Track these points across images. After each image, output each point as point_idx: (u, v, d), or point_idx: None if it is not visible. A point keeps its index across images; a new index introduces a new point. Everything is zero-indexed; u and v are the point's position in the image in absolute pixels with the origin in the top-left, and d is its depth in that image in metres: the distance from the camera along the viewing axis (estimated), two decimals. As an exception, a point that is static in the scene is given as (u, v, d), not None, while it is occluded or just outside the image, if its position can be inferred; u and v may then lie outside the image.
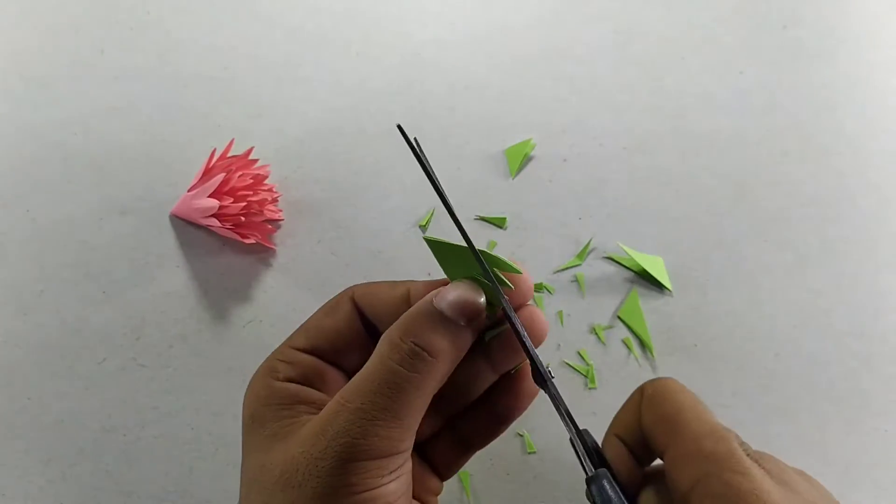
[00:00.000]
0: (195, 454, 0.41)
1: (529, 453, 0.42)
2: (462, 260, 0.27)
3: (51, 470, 0.40)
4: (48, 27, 0.46)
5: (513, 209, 0.45)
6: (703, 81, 0.49)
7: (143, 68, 0.46)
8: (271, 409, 0.28)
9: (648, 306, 0.44)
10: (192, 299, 0.43)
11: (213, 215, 0.41)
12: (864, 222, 0.46)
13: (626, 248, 0.44)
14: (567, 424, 0.27)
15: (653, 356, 0.43)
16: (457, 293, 0.27)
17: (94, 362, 0.42)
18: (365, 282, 0.31)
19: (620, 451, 0.29)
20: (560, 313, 0.44)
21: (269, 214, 0.43)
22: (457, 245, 0.27)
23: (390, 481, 0.25)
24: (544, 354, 0.43)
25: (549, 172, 0.46)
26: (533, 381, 0.28)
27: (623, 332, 0.44)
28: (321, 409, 0.26)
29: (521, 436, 0.42)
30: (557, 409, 0.27)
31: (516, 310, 0.28)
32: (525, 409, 0.31)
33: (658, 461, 0.29)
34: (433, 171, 0.27)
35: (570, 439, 0.28)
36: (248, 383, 0.30)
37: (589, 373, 0.43)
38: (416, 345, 0.26)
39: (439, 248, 0.28)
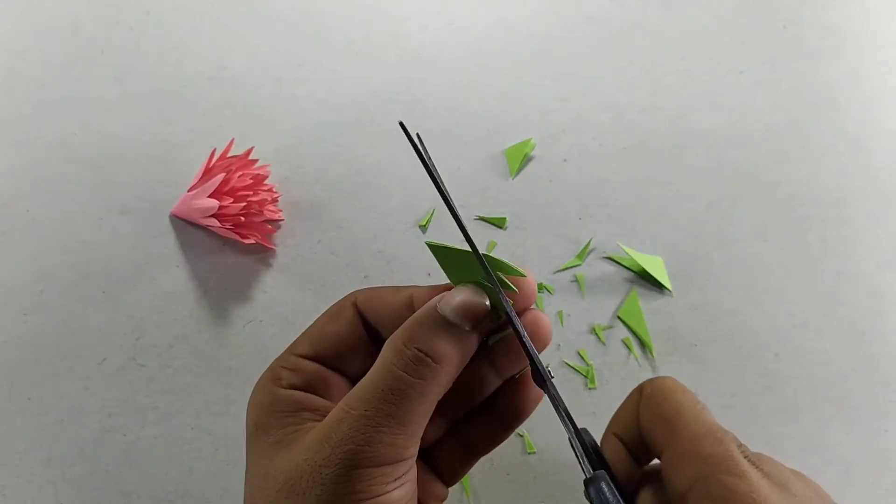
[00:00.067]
0: (195, 454, 0.41)
1: (529, 453, 0.42)
2: (465, 264, 0.27)
3: (51, 470, 0.40)
4: (48, 27, 0.46)
5: (513, 209, 0.45)
6: (703, 81, 0.49)
7: (143, 68, 0.46)
8: (275, 417, 0.28)
9: (648, 306, 0.44)
10: (192, 299, 0.43)
11: (212, 215, 0.41)
12: (864, 222, 0.46)
13: (626, 248, 0.44)
14: (566, 424, 0.27)
15: (653, 356, 0.43)
16: (461, 297, 0.26)
17: (94, 362, 0.42)
18: (367, 286, 0.31)
19: (619, 450, 0.29)
20: (560, 313, 0.44)
21: (269, 214, 0.43)
22: (459, 249, 0.27)
23: (395, 488, 0.25)
24: (544, 354, 0.43)
25: (549, 172, 0.46)
26: (534, 382, 0.28)
27: (623, 332, 0.44)
28: (325, 416, 0.26)
29: (521, 436, 0.42)
30: (556, 409, 0.27)
31: (520, 314, 0.28)
32: (530, 413, 0.31)
33: (656, 460, 0.29)
34: (437, 171, 0.27)
35: (569, 439, 0.28)
36: (248, 383, 0.30)
37: (589, 373, 0.43)
38: (420, 351, 0.26)
39: (442, 253, 0.27)
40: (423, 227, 0.45)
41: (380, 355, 0.26)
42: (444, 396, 0.27)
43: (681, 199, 0.46)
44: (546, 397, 0.28)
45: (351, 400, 0.25)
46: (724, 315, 0.44)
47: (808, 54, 0.50)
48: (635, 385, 0.30)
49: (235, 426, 0.41)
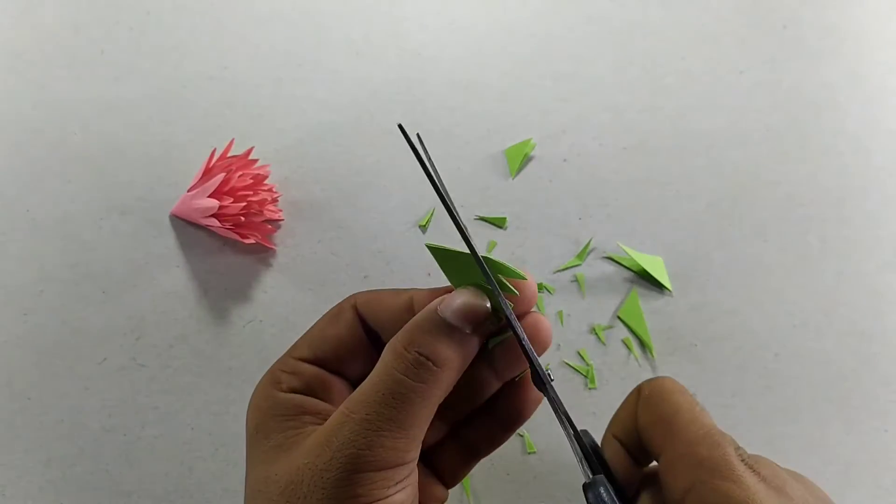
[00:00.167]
0: (195, 454, 0.41)
1: (529, 453, 0.42)
2: (466, 266, 0.27)
3: (51, 470, 0.40)
4: (48, 27, 0.46)
5: (513, 209, 0.45)
6: (703, 81, 0.49)
7: (143, 68, 0.46)
8: (276, 420, 0.27)
9: (648, 306, 0.44)
10: (192, 299, 0.43)
11: (213, 215, 0.41)
12: (864, 222, 0.46)
13: (626, 248, 0.44)
14: (565, 427, 0.27)
15: (653, 356, 0.43)
16: (462, 300, 0.26)
17: (94, 362, 0.42)
18: (367, 286, 0.31)
19: (618, 452, 0.29)
20: (560, 313, 0.44)
21: (269, 214, 0.43)
22: (460, 252, 0.26)
23: (396, 492, 0.25)
24: (544, 355, 0.43)
25: (549, 172, 0.46)
26: (534, 385, 0.28)
27: (623, 332, 0.44)
28: (326, 420, 0.26)
29: (522, 436, 0.42)
30: (556, 411, 0.27)
31: (520, 317, 0.27)
32: (530, 415, 0.30)
33: (655, 463, 0.29)
34: (438, 175, 0.26)
35: (570, 442, 0.28)
36: (248, 383, 0.30)
37: (589, 373, 0.43)
38: (421, 354, 0.25)
39: (442, 255, 0.27)
40: (423, 227, 0.45)
41: (380, 359, 0.26)
42: (444, 399, 0.27)
43: (681, 199, 0.46)
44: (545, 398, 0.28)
45: (352, 404, 0.25)
46: (724, 315, 0.44)
47: (808, 54, 0.50)
48: (635, 385, 0.30)
49: (235, 426, 0.41)
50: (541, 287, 0.44)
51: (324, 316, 0.31)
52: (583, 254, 0.45)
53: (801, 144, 0.48)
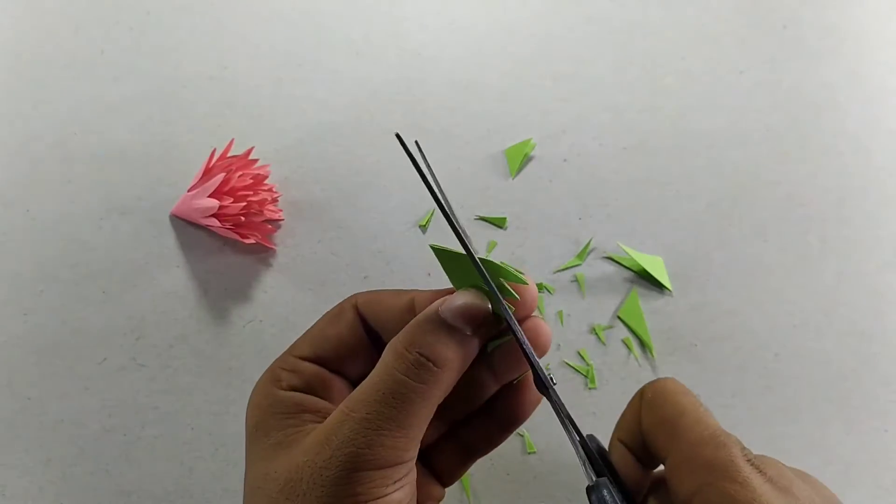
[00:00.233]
0: (195, 454, 0.41)
1: (529, 453, 0.42)
2: (468, 269, 0.27)
3: (51, 470, 0.40)
4: (48, 27, 0.46)
5: (513, 209, 0.45)
6: (703, 81, 0.49)
7: (143, 68, 0.46)
8: (275, 418, 0.28)
9: (648, 306, 0.44)
10: (192, 299, 0.43)
11: (213, 215, 0.41)
12: (864, 222, 0.46)
13: (626, 248, 0.44)
14: (569, 430, 0.27)
15: (653, 356, 0.43)
16: (463, 301, 0.26)
17: (94, 362, 0.42)
18: (367, 286, 0.31)
19: (625, 456, 0.29)
20: (560, 313, 0.44)
21: (269, 214, 0.43)
22: (463, 253, 0.27)
23: (395, 491, 0.25)
24: (543, 357, 0.43)
25: (549, 172, 0.46)
26: (536, 389, 0.28)
27: (623, 332, 0.44)
28: (326, 418, 0.26)
29: (522, 436, 0.42)
30: (559, 415, 0.27)
31: (520, 321, 0.27)
32: (528, 416, 0.30)
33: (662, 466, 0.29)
34: (437, 183, 0.26)
35: (573, 445, 0.28)
36: (248, 383, 0.30)
37: (589, 373, 0.43)
38: (421, 355, 0.25)
39: (445, 257, 0.27)
40: (423, 227, 0.45)
41: (381, 359, 0.26)
42: (444, 399, 0.27)
43: (681, 199, 0.46)
44: (545, 399, 0.28)
45: (352, 403, 0.25)
46: (724, 315, 0.44)
47: (808, 54, 0.50)
48: (635, 385, 0.30)
49: (235, 426, 0.41)
50: (541, 287, 0.44)
51: (324, 315, 0.31)
52: (583, 254, 0.45)
53: (801, 144, 0.48)
